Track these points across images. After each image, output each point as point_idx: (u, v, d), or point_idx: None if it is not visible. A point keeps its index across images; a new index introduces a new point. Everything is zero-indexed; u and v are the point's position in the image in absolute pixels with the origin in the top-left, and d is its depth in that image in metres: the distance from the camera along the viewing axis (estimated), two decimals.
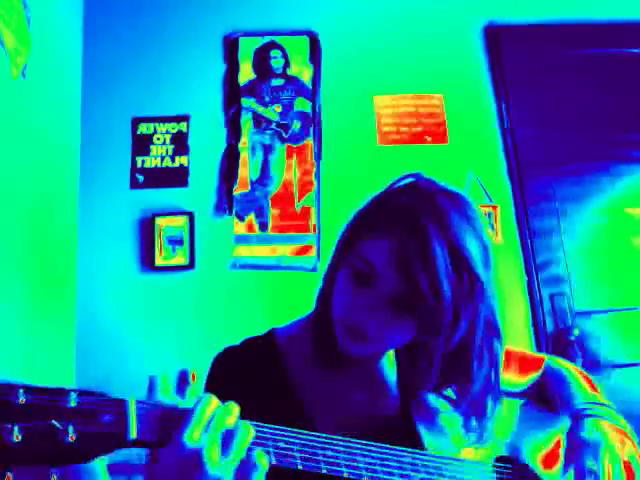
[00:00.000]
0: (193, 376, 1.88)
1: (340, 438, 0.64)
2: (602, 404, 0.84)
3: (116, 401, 0.50)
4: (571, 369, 0.95)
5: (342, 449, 0.63)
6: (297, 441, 0.60)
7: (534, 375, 0.96)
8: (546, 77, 2.23)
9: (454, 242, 0.66)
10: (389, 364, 0.86)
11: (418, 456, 0.69)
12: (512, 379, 0.92)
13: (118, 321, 1.98)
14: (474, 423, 0.77)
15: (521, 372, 0.94)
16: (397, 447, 0.68)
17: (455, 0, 2.31)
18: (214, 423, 0.54)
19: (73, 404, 0.48)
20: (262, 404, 0.74)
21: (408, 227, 0.66)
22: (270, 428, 0.59)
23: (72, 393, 0.48)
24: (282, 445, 0.59)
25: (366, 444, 0.65)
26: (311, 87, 2.21)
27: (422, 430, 0.75)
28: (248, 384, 0.77)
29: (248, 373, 0.79)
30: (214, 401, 0.55)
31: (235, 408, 0.56)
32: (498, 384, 0.76)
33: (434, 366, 0.72)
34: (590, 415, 0.81)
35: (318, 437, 0.62)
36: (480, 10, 2.30)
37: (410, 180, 0.75)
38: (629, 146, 2.19)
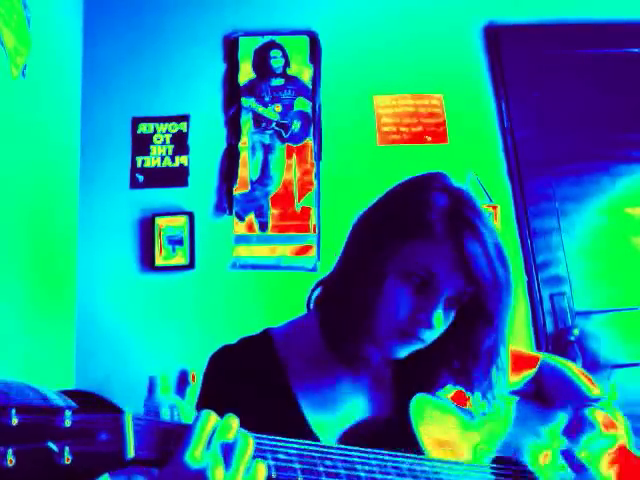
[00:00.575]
0: (193, 376, 1.88)
1: (338, 446, 0.63)
2: (604, 400, 0.86)
3: (112, 418, 0.48)
4: (568, 365, 0.96)
5: (340, 457, 0.62)
6: (296, 452, 0.59)
7: (529, 373, 0.97)
8: (546, 77, 2.22)
9: (494, 237, 0.72)
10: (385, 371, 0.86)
11: (416, 461, 0.69)
12: (510, 378, 0.93)
13: (118, 321, 1.98)
14: (478, 396, 0.79)
15: (515, 370, 0.94)
16: (394, 452, 0.67)
17: (455, 0, 2.31)
18: (215, 440, 0.53)
19: (68, 423, 0.46)
20: (259, 404, 0.74)
21: (461, 227, 0.70)
22: (268, 439, 0.58)
23: (66, 411, 0.46)
24: (282, 457, 0.58)
25: (364, 451, 0.65)
26: (311, 87, 2.21)
27: (420, 432, 0.75)
28: (245, 384, 0.77)
29: (245, 372, 0.79)
30: (213, 417, 0.54)
31: (235, 422, 0.55)
32: (505, 356, 0.78)
33: (480, 359, 0.75)
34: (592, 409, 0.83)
35: (316, 446, 0.61)
36: (480, 10, 2.29)
37: (431, 179, 0.77)
38: (629, 146, 2.19)
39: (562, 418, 0.89)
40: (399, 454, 0.67)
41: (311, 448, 0.61)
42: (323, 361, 0.80)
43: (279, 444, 0.58)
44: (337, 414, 0.79)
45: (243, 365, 0.80)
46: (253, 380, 0.78)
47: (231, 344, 0.84)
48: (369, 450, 0.65)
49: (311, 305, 0.84)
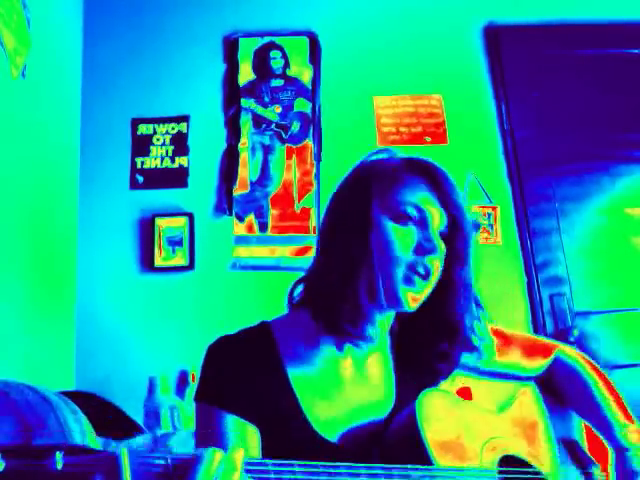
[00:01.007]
0: (193, 376, 1.88)
1: (345, 464, 0.62)
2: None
3: (109, 459, 0.45)
4: (587, 367, 0.98)
5: (349, 478, 0.61)
6: (302, 476, 0.57)
7: (544, 362, 0.98)
8: (546, 77, 2.23)
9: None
10: (385, 362, 0.87)
11: (426, 472, 0.67)
12: (522, 363, 0.96)
13: (118, 321, 1.98)
14: (465, 358, 0.83)
15: (530, 356, 0.96)
16: (402, 466, 0.66)
17: (455, 0, 2.32)
18: None
19: (59, 466, 0.42)
20: (258, 392, 0.75)
21: (427, 170, 0.81)
22: (273, 464, 0.56)
23: (57, 453, 0.42)
24: None
25: (371, 467, 0.64)
26: (311, 87, 2.21)
27: (428, 437, 0.73)
28: (244, 372, 0.77)
29: (244, 360, 0.79)
30: (217, 455, 0.51)
31: (239, 458, 0.52)
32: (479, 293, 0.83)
33: (462, 298, 0.79)
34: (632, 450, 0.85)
35: (323, 467, 0.60)
36: (480, 10, 2.30)
37: (388, 155, 0.88)
38: (629, 146, 2.19)
39: (575, 420, 0.91)
40: (407, 467, 0.66)
41: (317, 470, 0.59)
42: (322, 346, 0.81)
43: (283, 469, 0.57)
44: (342, 397, 0.80)
45: (242, 352, 0.80)
46: (252, 367, 0.78)
47: (228, 334, 0.83)
48: (376, 466, 0.64)
49: (294, 301, 0.85)
